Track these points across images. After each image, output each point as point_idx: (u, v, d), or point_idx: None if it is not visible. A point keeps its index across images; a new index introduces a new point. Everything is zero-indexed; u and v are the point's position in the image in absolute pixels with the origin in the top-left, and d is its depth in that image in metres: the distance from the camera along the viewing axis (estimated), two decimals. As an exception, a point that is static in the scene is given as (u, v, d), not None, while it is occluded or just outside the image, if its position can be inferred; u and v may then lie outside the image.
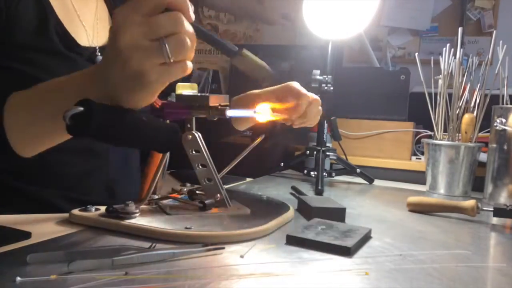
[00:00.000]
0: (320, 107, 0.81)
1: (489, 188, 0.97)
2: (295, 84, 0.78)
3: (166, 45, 0.46)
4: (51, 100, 0.57)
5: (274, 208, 0.69)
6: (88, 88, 0.52)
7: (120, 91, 0.50)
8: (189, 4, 0.48)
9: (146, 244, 0.51)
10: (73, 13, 0.81)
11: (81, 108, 0.48)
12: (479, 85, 1.04)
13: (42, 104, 0.58)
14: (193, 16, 0.49)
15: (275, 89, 0.80)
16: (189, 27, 0.48)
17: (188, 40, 0.47)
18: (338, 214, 0.69)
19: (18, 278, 0.39)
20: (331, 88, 1.07)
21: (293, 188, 0.92)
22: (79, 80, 0.55)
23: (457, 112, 1.05)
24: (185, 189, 0.73)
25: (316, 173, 1.04)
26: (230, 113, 0.61)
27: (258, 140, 0.76)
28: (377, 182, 1.15)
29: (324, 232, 0.57)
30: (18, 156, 0.59)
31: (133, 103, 0.52)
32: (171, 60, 0.47)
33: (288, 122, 0.78)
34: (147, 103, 0.53)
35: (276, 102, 0.76)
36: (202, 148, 0.63)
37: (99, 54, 0.82)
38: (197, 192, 0.68)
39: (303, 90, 0.77)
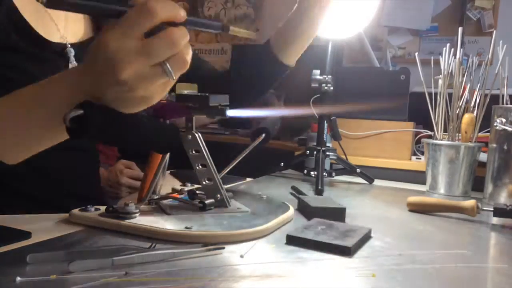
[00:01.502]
0: None
1: (489, 188, 0.97)
2: None
3: (169, 67, 0.46)
4: (36, 108, 0.54)
5: (274, 208, 0.69)
6: (77, 97, 0.50)
7: (120, 108, 0.50)
8: (178, 7, 0.47)
9: (146, 244, 0.51)
10: (40, 8, 0.77)
11: (81, 111, 0.49)
12: (479, 85, 1.04)
13: (25, 112, 0.55)
14: (183, 14, 0.47)
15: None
16: (184, 41, 0.47)
17: (187, 56, 0.48)
18: (338, 214, 0.69)
19: (18, 278, 0.39)
20: (331, 88, 1.07)
21: (293, 188, 0.92)
22: (65, 91, 0.52)
23: (457, 112, 1.05)
24: (185, 189, 0.73)
25: (316, 173, 1.04)
26: (230, 113, 0.61)
27: (258, 140, 0.76)
28: (377, 182, 1.15)
29: (324, 232, 0.57)
30: (3, 163, 0.57)
31: (130, 111, 0.52)
32: (174, 78, 0.48)
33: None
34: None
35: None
36: (202, 148, 0.63)
37: (72, 51, 0.80)
38: (197, 192, 0.69)
39: None
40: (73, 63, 0.79)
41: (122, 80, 0.46)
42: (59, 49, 0.79)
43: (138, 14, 0.45)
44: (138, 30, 0.45)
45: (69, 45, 0.81)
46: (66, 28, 0.82)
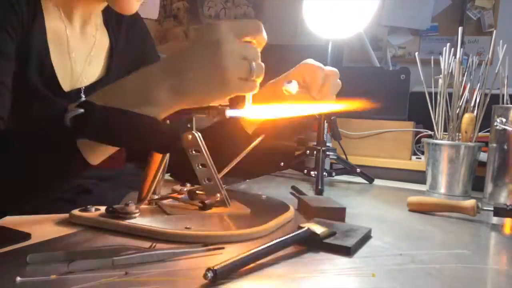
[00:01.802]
0: (339, 80, 0.80)
1: (489, 188, 0.97)
2: (309, 61, 0.79)
3: (254, 65, 0.55)
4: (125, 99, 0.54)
5: (274, 208, 0.69)
6: (159, 80, 0.54)
7: (197, 86, 0.54)
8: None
9: (146, 244, 0.51)
10: (65, 52, 0.79)
11: (82, 110, 0.49)
12: (479, 84, 1.04)
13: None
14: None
15: (291, 72, 0.80)
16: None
17: (263, 67, 0.57)
18: (338, 214, 0.69)
19: (18, 278, 0.39)
20: (331, 88, 1.06)
21: (293, 188, 0.92)
22: (147, 76, 0.55)
23: (457, 111, 1.05)
24: (185, 189, 0.73)
25: (316, 173, 1.04)
26: (230, 113, 0.61)
27: (258, 140, 0.76)
28: (377, 181, 1.15)
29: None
30: (88, 165, 0.54)
31: (200, 99, 0.56)
32: (252, 78, 0.55)
33: (309, 98, 0.78)
34: (208, 104, 0.58)
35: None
36: (202, 148, 0.63)
37: (83, 95, 0.80)
38: (197, 192, 0.68)
39: (317, 64, 0.78)
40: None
41: (219, 50, 0.52)
42: (73, 96, 0.78)
43: (252, 24, 0.57)
44: (239, 31, 0.55)
45: (82, 92, 0.80)
46: (84, 71, 0.82)
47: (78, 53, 0.81)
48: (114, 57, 0.88)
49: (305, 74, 0.77)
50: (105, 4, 0.82)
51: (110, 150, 0.56)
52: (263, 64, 0.57)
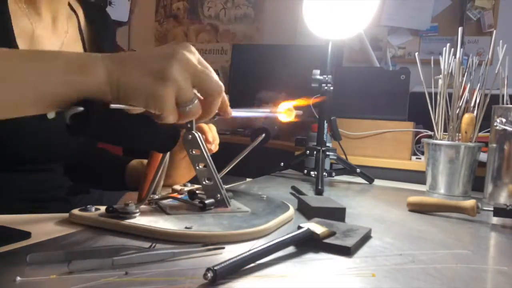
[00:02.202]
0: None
1: (489, 188, 0.97)
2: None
3: (195, 102, 0.51)
4: (40, 69, 0.48)
5: (274, 208, 0.69)
6: (99, 58, 0.49)
7: (132, 75, 0.49)
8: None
9: (146, 244, 0.51)
10: (36, 42, 0.79)
11: (81, 108, 0.49)
12: (479, 85, 1.04)
13: (24, 70, 0.48)
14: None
15: None
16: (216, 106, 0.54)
17: (207, 113, 0.54)
18: (338, 214, 0.69)
19: (18, 278, 0.39)
20: (331, 88, 1.07)
21: (293, 188, 0.92)
22: (89, 55, 0.51)
23: (457, 112, 1.05)
24: (185, 189, 0.73)
25: (316, 173, 1.04)
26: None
27: (258, 140, 0.76)
28: (377, 182, 1.15)
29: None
30: None
31: (128, 94, 0.50)
32: (184, 109, 0.51)
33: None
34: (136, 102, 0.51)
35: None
36: (202, 148, 0.63)
37: None
38: (197, 192, 0.68)
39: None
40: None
41: (169, 73, 0.48)
42: None
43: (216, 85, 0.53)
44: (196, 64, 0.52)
45: None
46: None
47: (51, 46, 0.82)
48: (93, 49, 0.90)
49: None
50: None
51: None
52: (200, 110, 0.53)
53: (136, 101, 0.49)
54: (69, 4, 0.88)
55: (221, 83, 0.54)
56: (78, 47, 0.89)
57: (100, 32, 0.92)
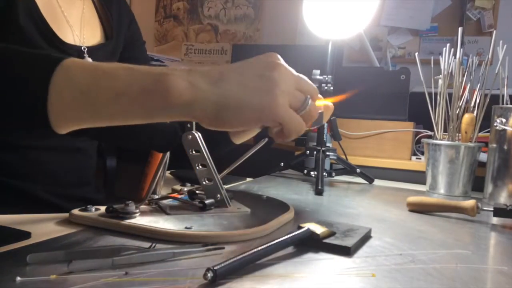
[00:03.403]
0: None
1: (489, 188, 0.97)
2: None
3: (309, 101, 0.50)
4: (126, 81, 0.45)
5: (274, 208, 0.69)
6: (181, 72, 0.45)
7: (232, 90, 0.46)
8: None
9: (146, 244, 0.51)
10: (59, 12, 0.81)
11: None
12: (479, 85, 1.04)
13: (108, 79, 0.45)
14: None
15: None
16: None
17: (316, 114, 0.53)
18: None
19: (18, 278, 0.39)
20: (331, 88, 1.07)
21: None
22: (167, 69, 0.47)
23: (457, 112, 1.05)
24: (185, 189, 0.73)
25: (316, 173, 1.04)
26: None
27: (261, 143, 0.76)
28: (377, 182, 1.15)
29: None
30: (51, 131, 0.45)
31: (229, 114, 0.46)
32: (302, 113, 0.50)
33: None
34: (235, 126, 0.47)
35: None
36: (202, 148, 0.63)
37: (87, 55, 0.82)
38: (197, 192, 0.68)
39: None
40: None
41: (275, 81, 0.47)
42: (76, 53, 0.81)
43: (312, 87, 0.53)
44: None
45: (85, 49, 0.83)
46: (81, 33, 0.84)
47: (71, 17, 0.83)
48: (113, 26, 0.91)
49: None
50: None
51: (85, 123, 0.46)
52: (318, 111, 0.53)
53: (247, 120, 0.46)
54: None
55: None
56: (94, 19, 0.90)
57: (107, 4, 0.93)
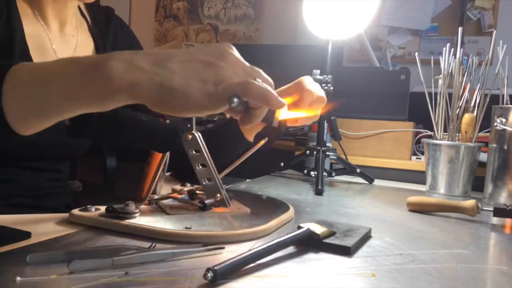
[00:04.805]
0: (324, 96, 0.75)
1: (489, 188, 0.97)
2: (305, 79, 0.73)
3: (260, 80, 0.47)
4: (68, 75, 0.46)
5: (274, 208, 0.69)
6: (123, 54, 0.45)
7: (174, 71, 0.45)
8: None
9: (146, 244, 0.51)
10: (52, 54, 0.80)
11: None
12: (479, 85, 1.04)
13: (55, 78, 0.47)
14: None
15: (288, 87, 0.74)
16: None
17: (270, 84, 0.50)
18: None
19: (18, 278, 0.39)
20: (331, 88, 1.07)
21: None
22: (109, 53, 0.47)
23: (457, 112, 1.05)
24: (185, 189, 0.73)
25: (316, 173, 1.04)
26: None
27: (261, 143, 0.76)
28: (377, 182, 1.15)
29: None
30: (14, 134, 0.47)
31: (170, 96, 0.45)
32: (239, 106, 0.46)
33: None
34: (176, 110, 0.46)
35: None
36: (202, 148, 0.63)
37: None
38: (197, 192, 0.68)
39: (308, 86, 0.71)
40: None
41: (223, 57, 0.46)
42: None
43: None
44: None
45: None
46: None
47: (62, 54, 0.81)
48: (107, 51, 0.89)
49: (295, 94, 0.72)
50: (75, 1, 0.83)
51: (46, 122, 0.48)
52: (270, 80, 0.50)
53: (189, 106, 0.45)
54: (80, 9, 0.89)
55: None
56: (88, 50, 0.89)
57: (102, 33, 0.92)
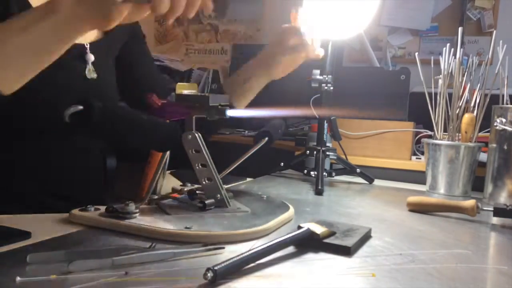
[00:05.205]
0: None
1: (489, 188, 0.97)
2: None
3: None
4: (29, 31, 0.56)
5: (274, 208, 0.69)
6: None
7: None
8: None
9: (146, 244, 0.51)
10: None
11: (81, 107, 0.49)
12: (479, 85, 1.04)
13: (20, 35, 0.56)
14: None
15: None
16: None
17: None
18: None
19: (18, 278, 0.39)
20: (331, 88, 1.06)
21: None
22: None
23: (457, 112, 1.04)
24: (185, 189, 0.73)
25: (316, 173, 1.04)
26: (230, 113, 0.61)
27: (261, 143, 0.76)
28: (377, 182, 1.15)
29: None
30: None
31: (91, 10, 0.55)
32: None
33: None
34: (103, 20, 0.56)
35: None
36: (202, 148, 0.63)
37: (91, 56, 0.82)
38: (197, 192, 0.68)
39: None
40: (90, 69, 0.81)
41: None
42: (78, 53, 0.80)
43: None
44: None
45: (88, 46, 0.82)
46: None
47: None
48: None
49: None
50: None
51: (25, 77, 0.57)
52: None
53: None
54: None
55: None
56: None
57: None
